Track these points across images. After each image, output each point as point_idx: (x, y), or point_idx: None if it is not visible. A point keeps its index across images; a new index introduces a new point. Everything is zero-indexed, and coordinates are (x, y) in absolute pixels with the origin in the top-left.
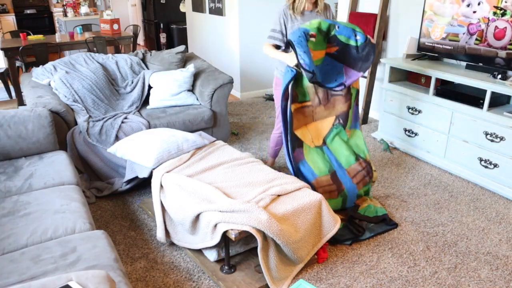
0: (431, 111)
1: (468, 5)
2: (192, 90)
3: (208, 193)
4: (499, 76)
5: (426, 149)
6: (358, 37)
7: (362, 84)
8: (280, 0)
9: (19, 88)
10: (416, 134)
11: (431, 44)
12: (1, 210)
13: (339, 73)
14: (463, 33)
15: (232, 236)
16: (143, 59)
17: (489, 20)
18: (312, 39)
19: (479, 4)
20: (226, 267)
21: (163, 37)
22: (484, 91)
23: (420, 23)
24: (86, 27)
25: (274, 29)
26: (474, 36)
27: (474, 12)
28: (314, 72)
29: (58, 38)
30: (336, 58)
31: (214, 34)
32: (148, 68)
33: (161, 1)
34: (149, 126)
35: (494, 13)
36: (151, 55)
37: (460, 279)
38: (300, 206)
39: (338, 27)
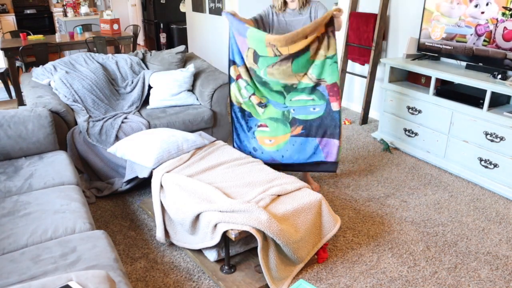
0: (431, 111)
1: (476, 6)
2: (192, 90)
3: (208, 193)
4: (499, 76)
5: (426, 149)
6: (317, 109)
7: (362, 84)
8: None
9: (19, 88)
10: (416, 134)
11: (431, 44)
12: (1, 210)
13: (314, 147)
14: (471, 34)
15: (232, 236)
16: (143, 59)
17: (497, 21)
18: (266, 129)
19: (487, 4)
20: (226, 267)
21: (163, 37)
22: (484, 91)
23: (420, 23)
24: (86, 27)
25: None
26: (482, 37)
27: (482, 12)
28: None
29: (58, 38)
30: (307, 135)
31: (214, 34)
32: (148, 68)
33: (161, 1)
34: (149, 126)
35: (503, 14)
36: (151, 55)
37: (460, 279)
38: (300, 206)
39: (294, 110)
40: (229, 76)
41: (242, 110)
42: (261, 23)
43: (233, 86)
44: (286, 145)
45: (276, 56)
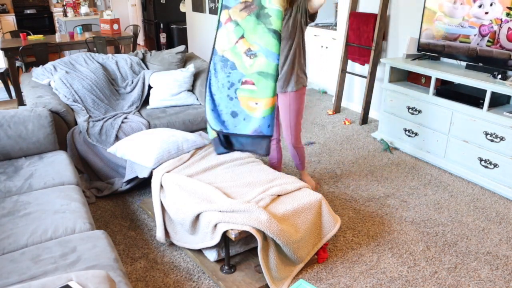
0: (431, 111)
1: (480, 6)
2: (192, 90)
3: (208, 193)
4: (499, 76)
5: (426, 149)
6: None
7: (362, 84)
8: None
9: (19, 88)
10: (416, 134)
11: (431, 44)
12: (1, 210)
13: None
14: (474, 35)
15: (232, 236)
16: (143, 59)
17: (501, 21)
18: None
19: (491, 5)
20: (226, 267)
21: (163, 37)
22: (484, 91)
23: (420, 23)
24: (86, 27)
25: None
26: (486, 38)
27: (486, 13)
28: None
29: (58, 38)
30: None
31: (214, 34)
32: (148, 68)
33: (161, 1)
34: (149, 126)
35: (507, 14)
36: (151, 55)
37: (460, 279)
38: (300, 206)
39: None
40: (218, 22)
41: (224, 60)
42: None
43: (220, 31)
44: (273, 112)
45: None
